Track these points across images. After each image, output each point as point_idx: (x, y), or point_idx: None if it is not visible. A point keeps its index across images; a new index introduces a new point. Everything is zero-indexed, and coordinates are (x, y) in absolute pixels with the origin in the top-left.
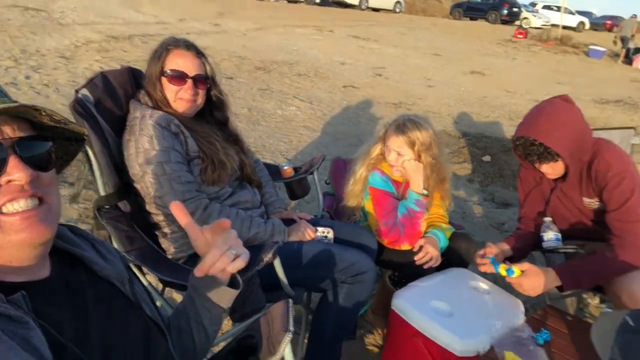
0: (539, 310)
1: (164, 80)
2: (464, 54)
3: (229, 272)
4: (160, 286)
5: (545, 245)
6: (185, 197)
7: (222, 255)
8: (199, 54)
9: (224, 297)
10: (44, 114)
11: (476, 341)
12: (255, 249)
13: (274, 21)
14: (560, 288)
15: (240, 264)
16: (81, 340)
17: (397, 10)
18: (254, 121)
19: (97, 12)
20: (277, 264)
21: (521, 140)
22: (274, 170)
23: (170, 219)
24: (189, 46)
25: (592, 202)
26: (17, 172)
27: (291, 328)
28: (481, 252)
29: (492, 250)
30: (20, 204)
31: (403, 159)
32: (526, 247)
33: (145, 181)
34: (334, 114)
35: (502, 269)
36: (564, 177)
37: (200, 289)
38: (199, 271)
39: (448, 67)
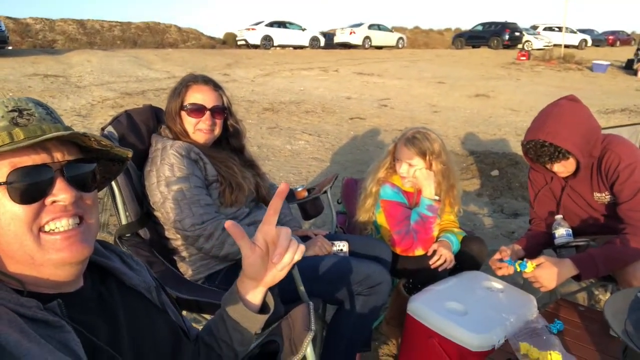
0: (551, 304)
1: (183, 114)
2: (468, 80)
3: (284, 267)
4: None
5: (557, 241)
6: (204, 219)
7: (292, 242)
8: (216, 87)
9: (256, 323)
10: (92, 139)
11: (491, 335)
12: None
13: (280, 66)
14: (576, 278)
15: (300, 255)
16: (114, 343)
17: (400, 45)
18: (263, 157)
19: (112, 72)
20: (296, 274)
21: (531, 143)
22: (288, 193)
23: (189, 241)
24: (207, 81)
25: (602, 197)
26: (62, 194)
27: (313, 327)
28: (496, 256)
29: (506, 252)
30: (62, 223)
31: (414, 169)
32: (538, 246)
33: (166, 207)
34: (342, 144)
35: (517, 264)
36: (574, 174)
37: (232, 312)
38: (263, 269)
39: (452, 93)
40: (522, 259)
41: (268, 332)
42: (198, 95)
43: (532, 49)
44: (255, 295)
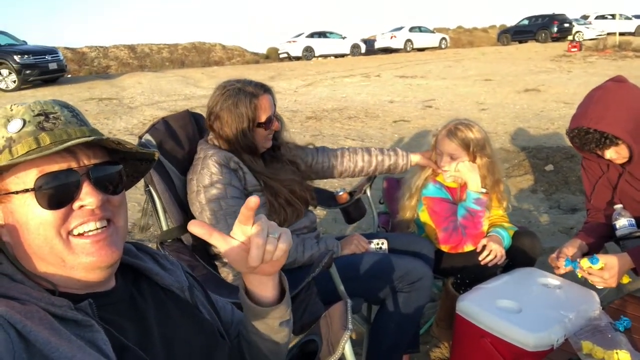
0: (616, 300)
1: (259, 130)
2: (516, 76)
3: (278, 258)
4: None
5: (618, 233)
6: None
7: (266, 243)
8: (268, 90)
9: (270, 316)
10: (118, 143)
11: (549, 334)
12: (308, 267)
13: (322, 76)
14: (635, 271)
15: (285, 245)
16: (144, 343)
17: (443, 46)
18: None
19: (162, 92)
20: (334, 274)
21: (575, 131)
22: (329, 196)
23: None
24: (266, 89)
25: None
26: (89, 198)
27: (350, 326)
28: (555, 254)
29: (567, 251)
30: (90, 226)
31: (457, 162)
32: (599, 240)
33: (204, 217)
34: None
35: (584, 262)
36: (630, 160)
37: (246, 310)
38: (248, 268)
39: (500, 90)
40: (586, 254)
41: (308, 331)
42: (266, 106)
43: (584, 40)
44: (264, 286)
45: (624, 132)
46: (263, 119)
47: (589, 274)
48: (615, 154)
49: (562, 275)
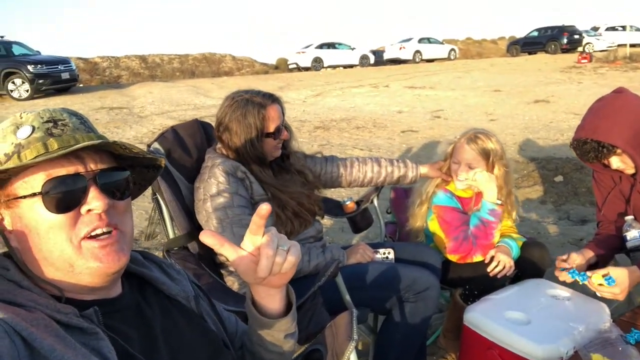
0: (627, 313)
1: (268, 140)
2: (525, 87)
3: (287, 270)
4: None
5: (629, 244)
6: None
7: (275, 255)
8: (277, 100)
9: (276, 327)
10: (124, 147)
11: (558, 346)
12: (313, 276)
13: (331, 86)
14: None
15: (294, 258)
16: (149, 352)
17: (452, 57)
18: None
19: (172, 102)
20: (340, 283)
21: (574, 143)
22: (336, 205)
23: None
24: (274, 99)
25: None
26: (95, 202)
27: (355, 337)
28: (564, 257)
29: (574, 260)
30: (97, 232)
31: (475, 172)
32: (609, 251)
33: (210, 225)
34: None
35: (596, 278)
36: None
37: (252, 320)
38: (256, 279)
39: (509, 101)
40: (594, 266)
41: (313, 341)
42: (275, 116)
43: (594, 51)
44: (271, 298)
45: (619, 140)
46: (272, 128)
47: (599, 284)
48: (622, 163)
49: (571, 287)
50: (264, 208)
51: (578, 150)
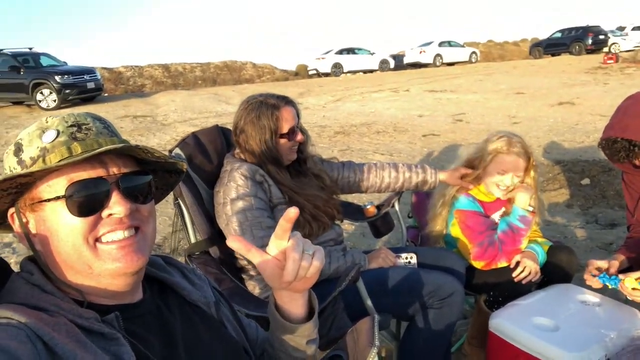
0: None
1: (282, 140)
2: (549, 89)
3: (312, 274)
4: None
5: None
6: (264, 243)
7: (302, 260)
8: (291, 102)
9: (300, 332)
10: (146, 151)
11: (588, 353)
12: (334, 281)
13: (351, 91)
14: None
15: (319, 263)
16: (169, 358)
17: (473, 60)
18: None
19: (194, 110)
20: (362, 288)
21: (604, 142)
22: (357, 210)
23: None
24: (287, 101)
25: None
26: (117, 207)
27: (377, 343)
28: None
29: (604, 266)
30: (118, 235)
31: (518, 180)
32: None
33: (230, 229)
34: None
35: (629, 282)
36: None
37: (275, 325)
38: (282, 284)
39: (533, 103)
40: (627, 270)
41: (334, 347)
42: (289, 118)
43: (620, 51)
44: (294, 303)
45: None
46: (285, 129)
47: (633, 288)
48: None
49: (600, 292)
50: (292, 211)
51: (607, 150)
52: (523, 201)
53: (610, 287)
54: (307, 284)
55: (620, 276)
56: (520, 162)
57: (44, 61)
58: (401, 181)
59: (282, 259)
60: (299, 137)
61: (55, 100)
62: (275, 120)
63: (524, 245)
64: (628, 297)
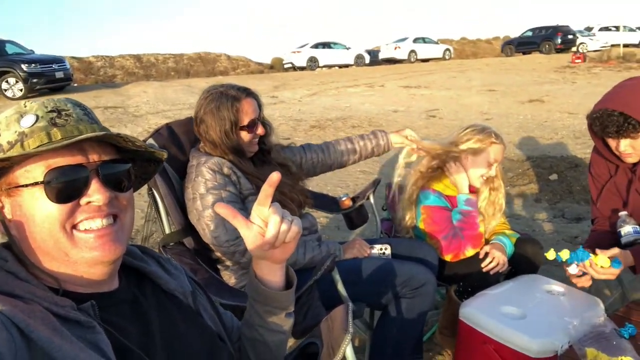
0: (621, 308)
1: (242, 133)
2: (520, 86)
3: (291, 239)
4: None
5: (623, 240)
6: (237, 235)
7: (282, 222)
8: (252, 94)
9: (281, 301)
10: (127, 140)
11: (552, 340)
12: (309, 270)
13: (326, 85)
14: (633, 269)
15: (298, 228)
16: (145, 346)
17: (447, 57)
18: None
19: (167, 101)
20: (336, 277)
21: (598, 113)
22: (332, 202)
23: (227, 256)
24: (249, 93)
25: None
26: (97, 195)
27: (351, 329)
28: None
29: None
30: (96, 223)
31: (494, 167)
32: (605, 248)
33: (202, 224)
34: (390, 156)
35: (602, 259)
36: None
37: (256, 296)
38: (264, 248)
39: (504, 100)
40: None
41: (309, 334)
42: (249, 110)
43: (588, 51)
44: (273, 274)
45: None
46: (245, 122)
47: (602, 267)
48: (631, 148)
49: (567, 282)
50: (274, 176)
51: (599, 122)
52: (463, 186)
53: (577, 264)
54: (285, 254)
55: (597, 251)
56: (503, 149)
57: (10, 49)
58: (358, 150)
59: (264, 227)
60: (260, 130)
61: (21, 90)
62: (235, 112)
63: (482, 228)
64: (593, 275)
